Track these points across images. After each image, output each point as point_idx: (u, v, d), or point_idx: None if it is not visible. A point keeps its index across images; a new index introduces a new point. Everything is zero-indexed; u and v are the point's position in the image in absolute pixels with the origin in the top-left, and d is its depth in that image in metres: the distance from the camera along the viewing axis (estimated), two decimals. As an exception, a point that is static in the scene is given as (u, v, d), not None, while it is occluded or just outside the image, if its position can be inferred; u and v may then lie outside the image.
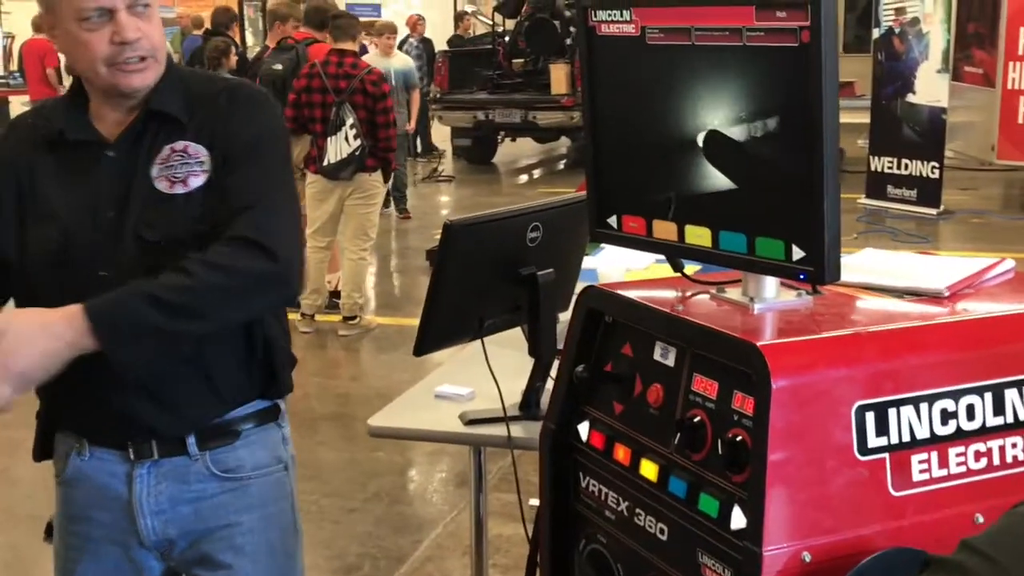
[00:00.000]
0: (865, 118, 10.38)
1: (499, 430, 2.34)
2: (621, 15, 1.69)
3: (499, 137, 14.36)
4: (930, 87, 9.79)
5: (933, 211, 9.86)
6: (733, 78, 1.57)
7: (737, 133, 1.59)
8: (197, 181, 1.82)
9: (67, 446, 1.97)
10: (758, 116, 1.56)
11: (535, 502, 2.52)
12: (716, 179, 1.64)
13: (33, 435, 2.02)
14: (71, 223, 1.83)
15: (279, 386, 2.00)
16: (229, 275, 1.74)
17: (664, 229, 1.74)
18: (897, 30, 10.13)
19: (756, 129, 1.57)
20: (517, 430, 2.34)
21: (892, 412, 1.52)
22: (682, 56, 1.62)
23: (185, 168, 1.83)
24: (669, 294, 1.81)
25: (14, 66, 16.77)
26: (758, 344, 1.49)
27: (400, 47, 13.63)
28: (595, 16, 1.74)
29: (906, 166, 10.09)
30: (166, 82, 1.87)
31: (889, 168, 10.24)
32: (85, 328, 1.69)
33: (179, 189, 1.82)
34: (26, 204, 1.86)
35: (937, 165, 9.83)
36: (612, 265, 3.25)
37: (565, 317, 2.53)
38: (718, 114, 1.61)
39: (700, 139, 1.64)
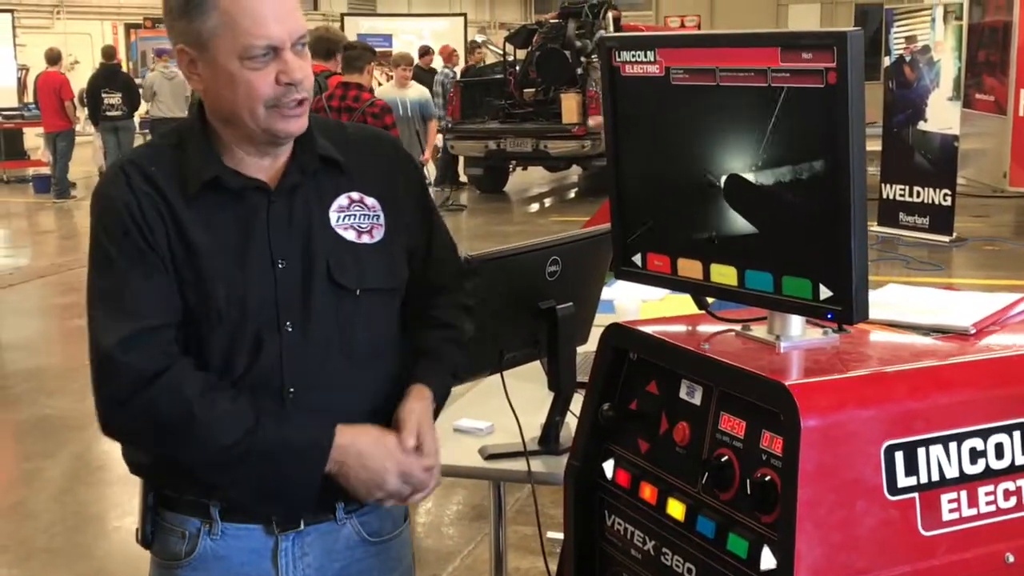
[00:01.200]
0: (876, 146, 10.40)
1: (519, 464, 2.33)
2: (645, 56, 1.70)
3: (511, 166, 14.40)
4: (941, 115, 9.81)
5: (946, 238, 9.85)
6: (759, 118, 1.57)
7: (763, 172, 1.59)
8: (379, 233, 1.79)
9: (190, 526, 1.79)
10: (784, 155, 1.56)
11: (553, 535, 2.52)
12: (742, 218, 1.64)
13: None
14: (243, 276, 1.69)
15: None
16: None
17: (689, 267, 1.74)
18: (908, 58, 10.16)
19: (782, 168, 1.56)
20: (537, 464, 2.33)
21: (921, 451, 1.51)
22: (707, 96, 1.63)
23: (367, 219, 1.79)
24: (694, 332, 1.81)
25: (29, 98, 16.92)
26: (787, 384, 1.48)
27: (433, 77, 13.75)
28: (619, 57, 1.74)
29: (918, 193, 10.10)
30: (312, 125, 1.76)
31: (901, 196, 10.24)
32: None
33: (366, 239, 1.78)
34: (177, 258, 1.68)
35: (949, 192, 9.84)
36: (628, 296, 3.25)
37: (584, 350, 2.54)
38: (743, 153, 1.61)
39: (724, 179, 1.64)
